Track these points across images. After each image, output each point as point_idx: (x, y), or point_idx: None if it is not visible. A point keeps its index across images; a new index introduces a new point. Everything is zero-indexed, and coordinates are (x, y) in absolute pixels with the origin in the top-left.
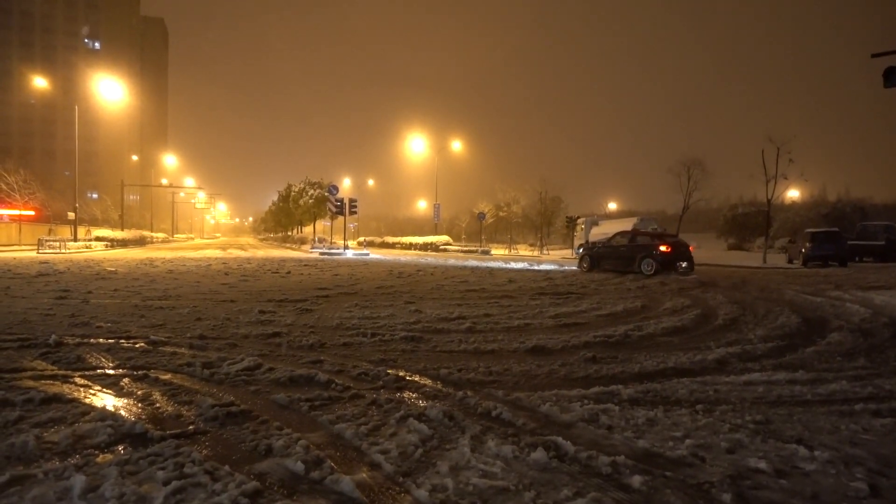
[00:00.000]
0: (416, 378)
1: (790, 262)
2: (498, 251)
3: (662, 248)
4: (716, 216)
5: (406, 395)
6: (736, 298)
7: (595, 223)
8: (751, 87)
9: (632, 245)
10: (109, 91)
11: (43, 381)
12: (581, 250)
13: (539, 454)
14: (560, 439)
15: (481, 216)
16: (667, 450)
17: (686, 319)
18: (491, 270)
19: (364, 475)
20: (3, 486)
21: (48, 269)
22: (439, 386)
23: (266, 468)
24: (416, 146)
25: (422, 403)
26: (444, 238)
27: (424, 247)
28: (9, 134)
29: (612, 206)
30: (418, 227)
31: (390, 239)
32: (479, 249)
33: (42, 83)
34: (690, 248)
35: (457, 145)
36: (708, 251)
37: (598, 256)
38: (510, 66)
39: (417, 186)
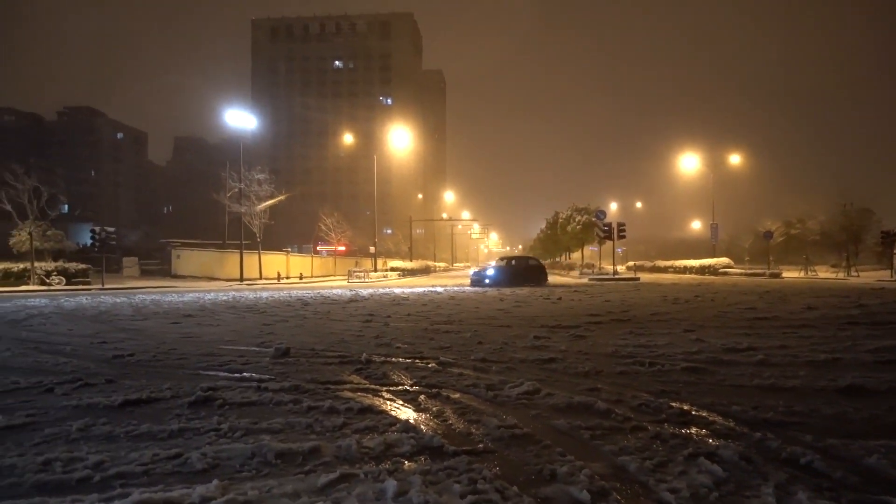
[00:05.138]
0: (703, 413)
1: None
2: (790, 274)
3: (546, 269)
4: None
5: (692, 430)
6: None
7: None
8: None
9: (528, 265)
10: (400, 140)
11: (358, 393)
12: (473, 272)
13: None
14: (894, 501)
15: (768, 235)
16: None
17: None
18: (784, 296)
19: None
20: (336, 480)
21: (356, 296)
22: (731, 424)
23: (551, 493)
24: (687, 163)
25: (712, 442)
26: (724, 260)
27: (701, 270)
28: (325, 182)
29: None
30: (691, 249)
31: (661, 262)
32: (767, 272)
33: (349, 139)
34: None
35: (735, 159)
36: None
37: (504, 275)
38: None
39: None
